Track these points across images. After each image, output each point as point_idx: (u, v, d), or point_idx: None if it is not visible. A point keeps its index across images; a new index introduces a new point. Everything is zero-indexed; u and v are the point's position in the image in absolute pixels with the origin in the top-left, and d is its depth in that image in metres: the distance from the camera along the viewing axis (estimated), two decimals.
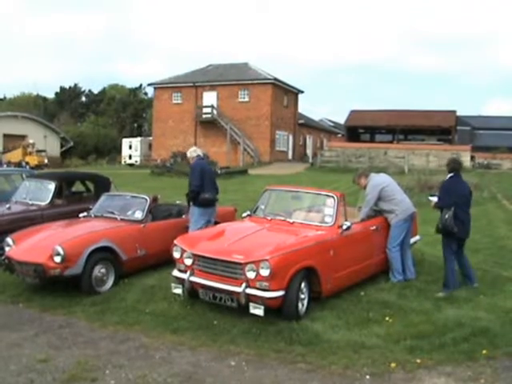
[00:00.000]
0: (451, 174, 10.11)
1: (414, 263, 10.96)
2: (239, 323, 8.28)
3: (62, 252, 9.52)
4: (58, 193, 13.66)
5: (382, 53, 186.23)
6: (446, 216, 9.71)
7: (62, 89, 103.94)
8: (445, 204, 9.86)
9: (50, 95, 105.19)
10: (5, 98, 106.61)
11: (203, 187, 11.45)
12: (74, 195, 15.14)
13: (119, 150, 67.17)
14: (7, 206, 13.14)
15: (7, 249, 10.55)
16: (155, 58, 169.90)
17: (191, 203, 11.57)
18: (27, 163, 52.51)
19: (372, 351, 7.34)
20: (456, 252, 10.11)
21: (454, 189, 9.96)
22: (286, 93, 59.91)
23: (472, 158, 49.28)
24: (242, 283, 8.15)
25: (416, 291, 9.85)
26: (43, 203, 13.33)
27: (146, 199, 11.59)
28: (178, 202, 13.95)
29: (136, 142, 64.10)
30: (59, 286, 10.05)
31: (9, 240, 10.63)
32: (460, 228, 9.74)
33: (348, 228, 9.39)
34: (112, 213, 11.60)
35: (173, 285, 9.18)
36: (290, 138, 61.29)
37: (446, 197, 9.92)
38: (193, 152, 12.00)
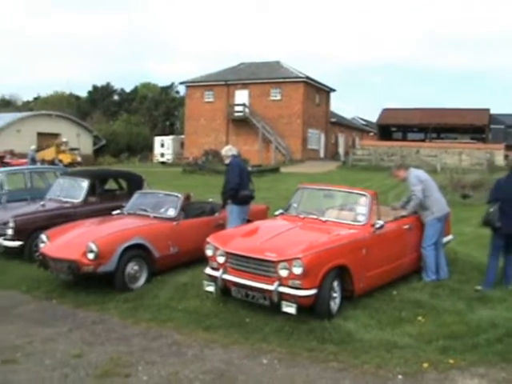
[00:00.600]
0: (508, 173, 10.02)
1: (447, 263, 10.86)
2: (271, 321, 8.29)
3: (95, 249, 9.62)
4: (91, 190, 13.79)
5: (412, 51, 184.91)
6: (491, 210, 9.65)
7: (95, 87, 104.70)
8: (491, 198, 9.85)
9: (83, 94, 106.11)
10: (39, 97, 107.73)
11: (241, 185, 11.52)
12: (107, 193, 15.24)
13: (151, 148, 67.44)
14: (41, 203, 13.31)
15: (42, 245, 10.69)
16: (187, 56, 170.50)
17: (229, 201, 11.61)
18: (60, 161, 52.85)
19: (404, 351, 7.31)
20: (506, 250, 10.01)
21: (503, 185, 9.88)
22: (318, 91, 59.71)
23: (506, 156, 48.65)
24: (274, 281, 8.15)
25: (449, 291, 9.77)
26: (77, 201, 13.48)
27: (179, 197, 11.63)
28: (210, 199, 13.97)
29: (168, 140, 64.30)
30: (92, 283, 10.15)
31: (43, 237, 10.77)
32: (504, 223, 9.62)
33: (381, 227, 9.35)
34: (145, 210, 11.66)
35: (205, 282, 9.21)
36: (322, 136, 61.08)
37: (494, 192, 9.92)
38: (228, 151, 12.05)
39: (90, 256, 9.65)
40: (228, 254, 8.81)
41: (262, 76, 56.98)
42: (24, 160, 40.51)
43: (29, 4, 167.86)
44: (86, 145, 69.79)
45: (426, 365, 6.91)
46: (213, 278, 9.02)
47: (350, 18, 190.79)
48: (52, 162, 47.54)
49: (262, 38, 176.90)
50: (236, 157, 12.02)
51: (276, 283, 8.12)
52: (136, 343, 7.82)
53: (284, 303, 8.12)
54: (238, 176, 11.55)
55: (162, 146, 63.75)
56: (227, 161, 11.95)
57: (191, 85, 60.80)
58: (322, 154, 60.53)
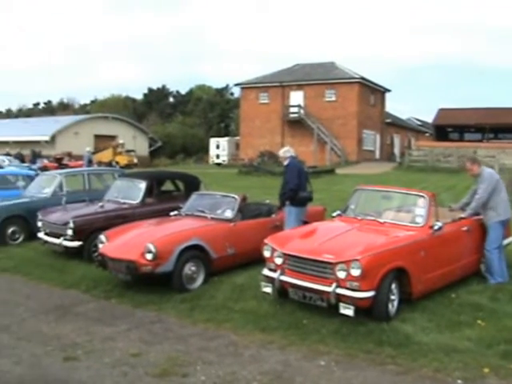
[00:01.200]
0: None
1: (507, 266, 10.69)
2: (328, 323, 8.25)
3: (153, 250, 9.71)
4: (148, 192, 13.92)
5: (468, 49, 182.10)
6: None
7: (150, 90, 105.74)
8: None
9: (139, 96, 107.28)
10: (96, 99, 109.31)
11: (300, 186, 11.52)
12: (164, 194, 15.39)
13: (206, 150, 67.88)
14: (100, 204, 13.51)
15: (100, 246, 10.85)
16: (241, 58, 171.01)
17: (287, 202, 11.60)
18: (117, 163, 53.58)
19: (464, 355, 7.17)
20: None
21: None
22: (373, 92, 59.42)
23: None
24: (332, 283, 8.11)
25: (509, 295, 9.57)
26: (134, 202, 13.63)
27: (236, 198, 11.66)
28: (267, 201, 13.98)
29: (223, 141, 64.65)
30: (150, 283, 10.24)
31: (102, 237, 10.94)
32: None
33: (439, 228, 9.22)
34: (202, 211, 11.72)
35: (262, 283, 9.22)
36: (377, 137, 60.73)
37: None
38: (286, 152, 12.07)
39: (149, 256, 9.75)
40: (286, 256, 8.80)
41: (317, 77, 56.94)
42: (81, 162, 41.15)
43: (84, 9, 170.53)
44: (142, 147, 70.61)
45: (486, 370, 6.76)
46: (270, 280, 9.02)
47: (402, 16, 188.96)
48: (109, 164, 48.21)
49: (317, 39, 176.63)
50: (294, 158, 12.01)
51: (334, 285, 8.08)
52: (193, 343, 7.87)
53: (342, 305, 8.08)
54: (297, 177, 11.55)
55: (218, 147, 64.10)
56: (285, 162, 11.95)
57: (246, 86, 61.03)
58: (377, 155, 60.17)
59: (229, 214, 11.42)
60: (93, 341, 8.03)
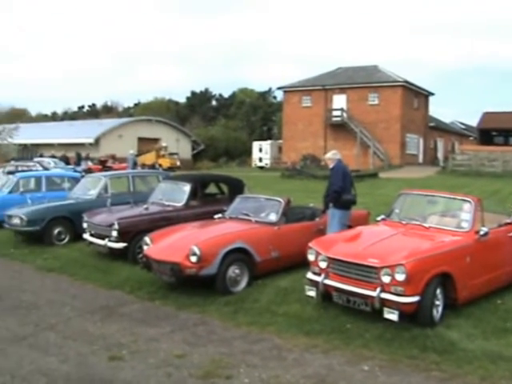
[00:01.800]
0: None
1: None
2: (372, 328, 8.22)
3: (198, 252, 9.78)
4: (193, 194, 13.99)
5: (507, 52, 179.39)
6: None
7: (193, 93, 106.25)
8: None
9: (182, 100, 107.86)
10: (139, 103, 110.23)
11: (344, 189, 11.50)
12: (208, 197, 15.45)
13: (249, 153, 68.02)
14: (145, 206, 13.62)
15: (145, 247, 10.97)
16: (284, 61, 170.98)
17: (331, 205, 11.60)
18: (160, 165, 54.01)
19: (510, 363, 7.09)
20: None
21: None
22: (416, 95, 58.97)
23: None
24: (376, 287, 8.09)
25: None
26: (179, 204, 13.72)
27: (280, 202, 11.67)
28: (311, 204, 13.96)
29: (266, 144, 64.71)
30: (194, 285, 10.32)
31: (147, 239, 11.05)
32: None
33: (485, 234, 9.11)
34: (246, 215, 11.76)
35: (306, 287, 9.22)
36: (421, 141, 60.24)
37: None
38: (333, 155, 12.08)
39: (193, 259, 9.81)
40: (330, 260, 8.80)
41: (360, 80, 56.73)
42: (125, 164, 41.58)
43: (127, 14, 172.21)
44: (184, 149, 71.08)
45: None
46: (314, 283, 9.02)
47: (445, 18, 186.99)
48: (152, 167, 48.62)
49: (360, 42, 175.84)
50: (340, 161, 11.99)
51: (378, 289, 8.06)
52: (237, 346, 7.91)
53: (386, 310, 8.04)
54: (342, 180, 11.55)
55: (260, 150, 64.17)
56: (331, 165, 11.95)
57: (289, 90, 61.04)
58: (420, 159, 59.69)
59: (273, 217, 11.43)
60: (137, 341, 8.12)
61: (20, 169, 27.82)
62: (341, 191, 11.46)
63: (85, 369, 7.24)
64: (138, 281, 11.17)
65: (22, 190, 18.52)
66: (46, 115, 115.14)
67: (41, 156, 46.08)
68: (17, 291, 11.08)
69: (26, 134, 61.99)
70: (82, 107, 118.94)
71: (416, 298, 7.97)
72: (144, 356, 7.58)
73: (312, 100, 58.82)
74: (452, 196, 10.57)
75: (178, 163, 60.03)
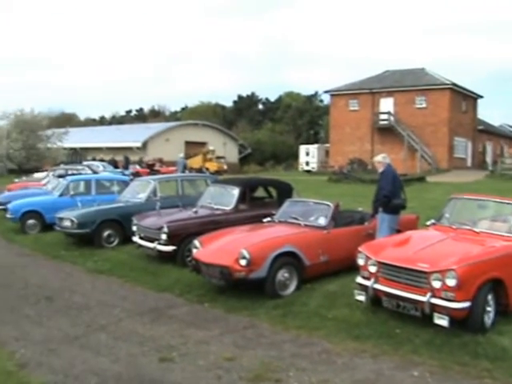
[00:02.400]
0: None
1: None
2: (422, 333, 8.16)
3: (247, 256, 9.82)
4: (241, 198, 14.01)
5: None
6: None
7: (240, 97, 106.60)
8: None
9: (229, 103, 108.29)
10: (186, 107, 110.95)
11: (394, 193, 11.46)
12: (257, 201, 15.52)
13: (296, 157, 67.96)
14: (194, 210, 13.71)
15: (194, 251, 11.05)
16: (330, 64, 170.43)
17: (380, 209, 11.56)
18: (207, 169, 54.25)
19: None
20: None
21: None
22: (465, 98, 58.30)
23: None
24: (426, 292, 8.03)
25: None
26: (228, 208, 13.77)
27: (330, 206, 11.64)
28: (360, 208, 13.90)
29: (313, 148, 64.63)
30: (242, 289, 10.37)
31: (196, 242, 11.14)
32: None
33: None
34: (295, 218, 11.77)
35: (356, 291, 9.19)
36: (469, 144, 59.51)
37: None
38: (382, 158, 11.99)
39: (243, 262, 9.86)
40: (380, 264, 8.76)
41: (407, 84, 56.25)
42: (172, 168, 41.86)
43: (173, 19, 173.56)
44: (231, 153, 71.35)
45: None
46: (363, 288, 8.99)
47: (497, 22, 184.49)
48: (200, 170, 48.86)
49: (407, 45, 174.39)
50: (390, 165, 11.93)
51: (428, 294, 8.00)
52: (286, 349, 7.93)
53: (436, 315, 7.98)
54: (391, 184, 11.49)
55: (307, 154, 64.11)
56: (381, 169, 11.90)
57: (335, 93, 60.84)
58: (468, 163, 58.94)
59: (322, 221, 11.42)
60: (187, 343, 8.21)
61: (69, 172, 28.24)
62: (390, 196, 11.40)
63: (135, 369, 7.36)
64: (187, 283, 11.28)
65: (72, 193, 18.84)
66: (94, 119, 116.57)
67: (93, 160, 46.70)
68: (68, 293, 11.30)
69: (75, 138, 62.99)
70: (130, 111, 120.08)
71: (467, 304, 7.88)
72: (194, 358, 7.66)
73: (359, 103, 58.54)
74: (503, 200, 10.40)
75: (225, 167, 60.25)
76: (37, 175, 33.62)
